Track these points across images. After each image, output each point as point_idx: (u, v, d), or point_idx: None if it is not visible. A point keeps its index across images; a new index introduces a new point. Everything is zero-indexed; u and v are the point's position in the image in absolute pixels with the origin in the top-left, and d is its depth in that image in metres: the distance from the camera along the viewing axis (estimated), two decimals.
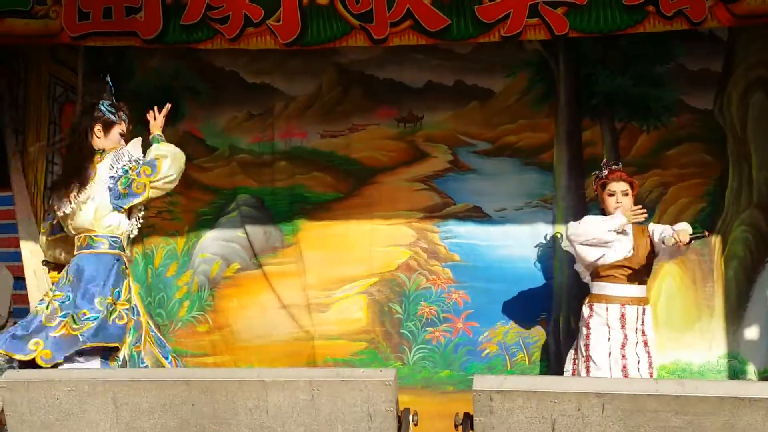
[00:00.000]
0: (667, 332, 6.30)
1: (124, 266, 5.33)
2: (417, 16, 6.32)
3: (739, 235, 6.33)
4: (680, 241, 5.38)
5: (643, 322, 5.67)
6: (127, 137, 5.55)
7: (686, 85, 6.46)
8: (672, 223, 6.34)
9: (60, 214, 5.29)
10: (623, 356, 5.61)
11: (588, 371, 5.61)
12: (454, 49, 6.63)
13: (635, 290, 5.66)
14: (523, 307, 6.45)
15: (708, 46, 6.42)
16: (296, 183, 6.76)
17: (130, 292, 5.30)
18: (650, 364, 5.66)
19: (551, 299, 6.45)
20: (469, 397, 3.65)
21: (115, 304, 5.16)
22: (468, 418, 3.68)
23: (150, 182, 5.29)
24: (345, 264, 6.66)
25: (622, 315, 5.63)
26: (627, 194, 5.76)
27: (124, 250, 5.36)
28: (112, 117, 5.44)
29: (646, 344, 5.67)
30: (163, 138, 5.65)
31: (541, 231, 6.53)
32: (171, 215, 6.78)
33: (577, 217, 6.44)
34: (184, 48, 6.59)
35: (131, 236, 5.50)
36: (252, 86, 6.83)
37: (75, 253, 5.28)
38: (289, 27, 6.40)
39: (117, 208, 5.24)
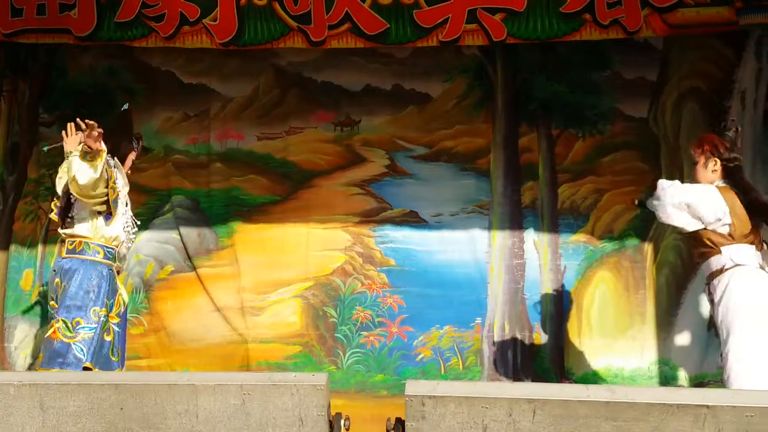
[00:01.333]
0: (599, 338, 6.38)
1: (115, 277, 5.25)
2: (355, 19, 6.35)
3: (670, 242, 6.42)
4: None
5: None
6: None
7: (622, 93, 6.55)
8: (607, 230, 6.48)
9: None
10: None
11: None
12: (392, 53, 6.65)
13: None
14: (458, 312, 6.47)
15: (643, 55, 6.52)
16: (232, 185, 6.72)
17: (120, 306, 5.26)
18: None
19: (486, 305, 6.48)
20: (403, 402, 3.65)
21: (107, 316, 5.14)
22: (400, 423, 3.67)
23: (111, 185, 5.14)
24: (280, 267, 6.63)
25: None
26: (695, 163, 5.12)
27: (116, 262, 5.28)
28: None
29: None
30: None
31: (477, 236, 6.56)
32: None
33: (514, 223, 6.52)
34: (118, 46, 6.55)
35: (122, 252, 5.41)
36: (188, 87, 6.79)
37: (65, 255, 5.17)
38: (225, 26, 6.41)
39: (105, 219, 5.17)
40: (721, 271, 4.87)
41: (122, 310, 5.27)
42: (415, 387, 3.62)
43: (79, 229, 5.18)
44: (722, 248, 4.88)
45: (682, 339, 6.35)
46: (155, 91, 6.78)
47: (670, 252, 6.43)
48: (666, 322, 6.38)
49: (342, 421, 3.77)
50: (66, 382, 3.83)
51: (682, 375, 6.29)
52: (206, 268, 6.66)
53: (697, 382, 6.21)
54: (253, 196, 6.69)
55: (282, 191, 6.69)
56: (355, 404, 5.96)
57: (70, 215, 5.22)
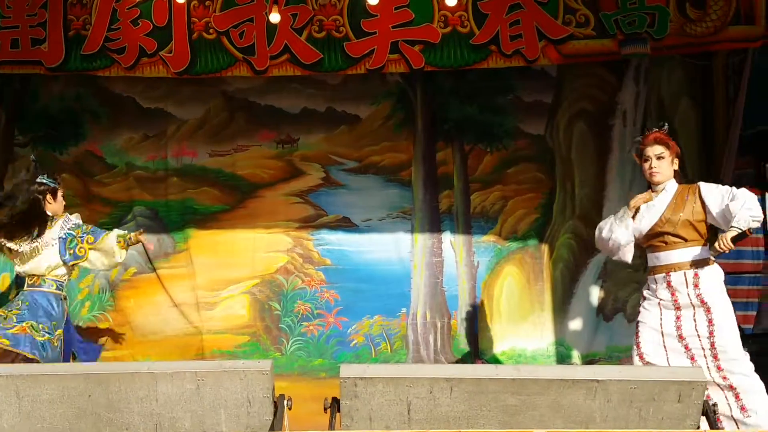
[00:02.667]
0: (506, 324, 6.44)
1: (65, 307, 5.44)
2: (293, 50, 6.34)
3: (564, 241, 6.50)
4: (724, 249, 4.62)
5: (697, 286, 4.77)
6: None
7: (522, 113, 6.61)
8: (512, 231, 6.53)
9: (15, 247, 5.33)
10: (681, 337, 4.77)
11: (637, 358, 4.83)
12: (326, 80, 6.63)
13: (678, 255, 4.84)
14: (386, 304, 6.48)
15: (540, 81, 6.59)
16: (187, 196, 6.64)
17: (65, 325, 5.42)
18: (713, 344, 4.73)
19: (410, 297, 6.49)
20: (339, 383, 3.64)
21: (54, 332, 5.28)
22: (336, 402, 3.66)
23: (90, 248, 5.36)
24: (230, 267, 6.57)
25: (668, 283, 4.81)
26: (662, 157, 4.90)
27: (63, 291, 5.46)
28: (53, 184, 5.48)
29: (708, 312, 4.75)
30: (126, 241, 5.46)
31: (402, 238, 6.57)
32: None
33: (433, 226, 6.55)
34: (84, 75, 6.44)
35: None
36: (147, 110, 6.68)
37: (26, 288, 5.39)
38: (180, 58, 6.36)
39: (65, 263, 5.35)
40: (706, 262, 4.77)
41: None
42: (348, 370, 3.61)
43: (33, 267, 5.37)
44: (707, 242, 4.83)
45: (575, 324, 6.43)
46: (118, 114, 6.67)
47: (564, 250, 6.50)
48: (561, 309, 6.45)
49: (285, 402, 3.75)
50: (39, 373, 3.75)
51: (575, 354, 6.36)
52: (165, 269, 6.56)
53: (588, 360, 6.30)
54: (205, 206, 6.61)
55: (231, 201, 6.62)
56: (297, 386, 5.95)
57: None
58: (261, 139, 6.66)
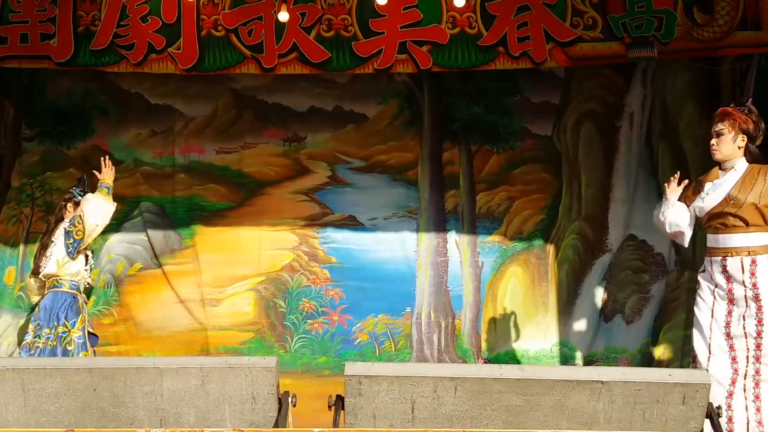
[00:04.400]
0: (510, 324, 6.42)
1: (79, 302, 5.61)
2: (302, 48, 6.32)
3: (570, 242, 6.48)
4: None
5: (753, 274, 4.55)
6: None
7: (530, 114, 6.59)
8: (517, 232, 6.51)
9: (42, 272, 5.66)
10: (728, 335, 4.56)
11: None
12: (334, 79, 6.62)
13: (739, 239, 4.60)
14: (391, 302, 6.46)
15: (548, 83, 6.57)
16: (194, 193, 6.62)
17: (83, 322, 5.57)
18: (758, 346, 4.49)
19: (414, 296, 6.47)
20: (343, 381, 3.63)
21: (69, 331, 5.47)
22: (340, 400, 3.66)
23: (83, 228, 5.51)
24: (236, 265, 6.55)
25: (724, 267, 4.61)
26: (721, 134, 4.69)
27: (80, 292, 5.65)
28: (79, 197, 5.69)
29: (757, 298, 4.52)
30: (109, 188, 5.61)
31: (407, 237, 6.55)
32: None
33: (438, 226, 6.54)
34: (93, 71, 6.43)
35: (88, 284, 5.80)
36: (155, 107, 6.67)
37: (45, 292, 5.64)
38: (188, 55, 6.34)
39: (70, 256, 5.54)
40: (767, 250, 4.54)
41: (84, 327, 5.58)
42: (353, 368, 3.61)
43: (48, 270, 5.62)
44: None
45: (579, 324, 6.41)
46: (126, 110, 6.66)
47: (569, 250, 6.49)
48: (565, 310, 6.43)
49: (290, 398, 3.75)
50: (45, 367, 3.75)
51: (579, 355, 6.35)
52: (171, 265, 6.55)
53: (588, 360, 6.28)
54: (212, 203, 6.60)
55: (237, 198, 6.60)
56: (301, 383, 5.90)
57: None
58: (268, 137, 6.65)
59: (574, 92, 6.57)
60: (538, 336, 6.39)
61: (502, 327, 6.45)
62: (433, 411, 3.56)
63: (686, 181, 4.88)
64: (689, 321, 6.14)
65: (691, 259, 6.34)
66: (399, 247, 6.55)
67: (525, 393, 3.53)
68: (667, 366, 6.00)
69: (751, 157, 4.69)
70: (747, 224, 4.57)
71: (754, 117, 4.72)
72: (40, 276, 5.68)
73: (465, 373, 3.60)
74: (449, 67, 6.37)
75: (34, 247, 6.39)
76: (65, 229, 5.56)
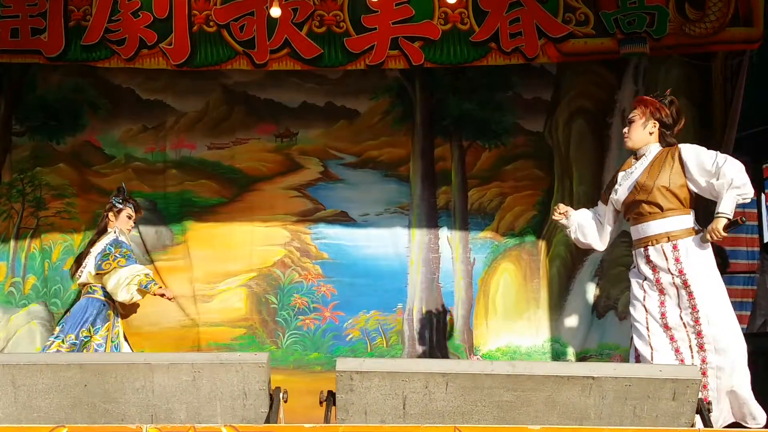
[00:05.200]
0: (502, 320, 6.43)
1: (110, 310, 5.70)
2: (294, 44, 6.32)
3: (561, 238, 6.46)
4: (716, 238, 4.35)
5: (678, 260, 4.42)
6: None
7: (522, 110, 6.59)
8: (509, 228, 6.52)
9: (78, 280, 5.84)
10: (666, 326, 4.45)
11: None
12: (325, 75, 6.62)
13: (656, 226, 4.51)
14: (383, 299, 6.46)
15: (540, 79, 6.58)
16: (185, 189, 6.61)
17: (108, 330, 5.67)
18: (699, 334, 4.37)
19: (406, 292, 6.47)
20: (335, 377, 3.63)
21: (91, 337, 5.56)
22: (331, 396, 3.66)
23: (113, 267, 5.57)
24: (228, 261, 6.54)
25: (647, 258, 4.51)
26: (632, 122, 4.68)
27: (113, 301, 5.69)
28: (119, 205, 5.82)
29: (686, 285, 4.40)
30: (146, 287, 5.64)
31: (399, 233, 6.55)
32: (69, 215, 6.52)
33: (430, 222, 6.54)
34: (84, 65, 6.42)
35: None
36: (146, 102, 6.65)
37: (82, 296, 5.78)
38: (180, 50, 6.34)
39: (92, 273, 5.68)
40: (689, 232, 4.45)
41: (108, 333, 5.67)
42: (344, 364, 3.61)
43: (83, 279, 5.76)
44: (691, 211, 4.51)
45: (571, 321, 6.42)
46: (117, 105, 6.64)
47: (561, 247, 6.48)
48: (557, 306, 6.43)
49: (281, 394, 3.75)
50: (35, 363, 3.74)
51: (570, 351, 6.35)
52: (163, 261, 6.53)
53: (581, 356, 6.29)
54: (204, 199, 6.58)
55: (229, 194, 6.59)
56: (293, 379, 5.92)
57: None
58: (260, 133, 6.64)
59: (565, 88, 6.57)
60: (529, 332, 6.39)
61: (493, 323, 6.46)
62: (424, 407, 3.56)
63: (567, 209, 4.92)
64: None
65: None
66: (391, 243, 6.55)
67: (516, 389, 3.54)
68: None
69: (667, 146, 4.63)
70: (662, 209, 4.48)
71: (669, 105, 4.67)
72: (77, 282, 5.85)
73: (456, 369, 3.60)
74: (441, 63, 6.39)
75: (25, 243, 6.45)
76: (104, 249, 5.65)
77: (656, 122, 4.63)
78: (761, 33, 6.17)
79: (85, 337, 5.56)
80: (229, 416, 3.61)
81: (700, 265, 4.43)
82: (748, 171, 4.60)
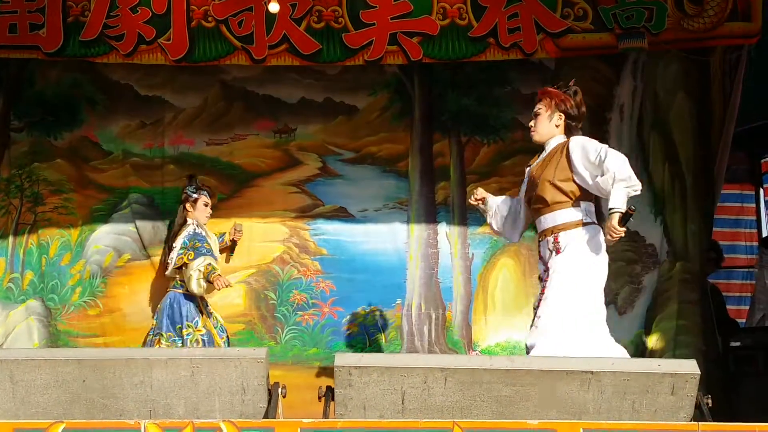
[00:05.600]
0: (501, 315, 6.42)
1: (198, 301, 5.86)
2: (292, 40, 6.32)
3: None
4: (614, 237, 4.23)
5: (558, 252, 4.38)
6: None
7: (520, 106, 6.54)
8: None
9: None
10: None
11: None
12: (324, 71, 6.59)
13: (545, 221, 4.52)
14: (381, 294, 6.44)
15: (538, 74, 6.53)
16: (184, 184, 6.58)
17: (206, 320, 5.87)
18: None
19: (405, 288, 6.46)
20: (333, 372, 3.63)
21: (194, 331, 5.76)
22: (330, 391, 3.66)
23: (183, 262, 5.78)
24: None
25: (539, 253, 4.58)
26: (537, 114, 4.68)
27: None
28: (194, 195, 5.99)
29: (547, 270, 4.41)
30: (209, 273, 5.75)
31: (398, 229, 6.54)
32: (66, 210, 6.49)
33: (429, 217, 6.53)
34: (82, 61, 6.41)
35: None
36: (145, 98, 6.62)
37: (168, 290, 5.97)
38: (178, 45, 6.34)
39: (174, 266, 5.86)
40: (573, 225, 4.37)
41: (206, 325, 5.86)
42: (343, 359, 3.61)
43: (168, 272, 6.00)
44: (581, 202, 4.39)
45: None
46: (115, 101, 6.61)
47: None
48: None
49: (280, 390, 3.75)
50: (34, 358, 3.74)
51: None
52: (161, 256, 6.52)
53: None
54: None
55: (228, 190, 6.57)
56: (291, 374, 5.92)
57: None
58: (258, 129, 6.61)
59: (564, 83, 6.56)
60: (528, 327, 6.39)
61: (492, 318, 6.45)
62: (423, 402, 3.56)
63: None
64: (681, 312, 6.23)
65: (683, 249, 6.37)
66: (389, 239, 6.54)
67: (515, 383, 3.54)
68: (660, 357, 6.02)
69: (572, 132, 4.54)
70: (547, 204, 4.43)
71: (574, 96, 4.60)
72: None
73: (455, 364, 3.60)
74: (439, 58, 6.38)
75: (23, 239, 6.42)
76: (182, 243, 5.81)
77: (561, 114, 4.57)
78: (759, 28, 6.17)
79: (188, 334, 5.74)
80: (227, 411, 3.61)
81: (572, 256, 4.34)
82: (745, 164, 4.61)
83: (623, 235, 4.18)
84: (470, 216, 6.51)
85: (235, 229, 6.24)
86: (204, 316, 5.87)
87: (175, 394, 3.63)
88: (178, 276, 5.87)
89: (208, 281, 5.72)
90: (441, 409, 3.55)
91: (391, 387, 3.54)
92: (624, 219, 4.15)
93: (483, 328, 6.43)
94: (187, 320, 5.77)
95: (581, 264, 4.31)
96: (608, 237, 4.23)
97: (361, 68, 6.48)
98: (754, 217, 8.29)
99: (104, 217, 6.51)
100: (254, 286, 6.49)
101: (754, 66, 6.26)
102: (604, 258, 4.40)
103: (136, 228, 6.49)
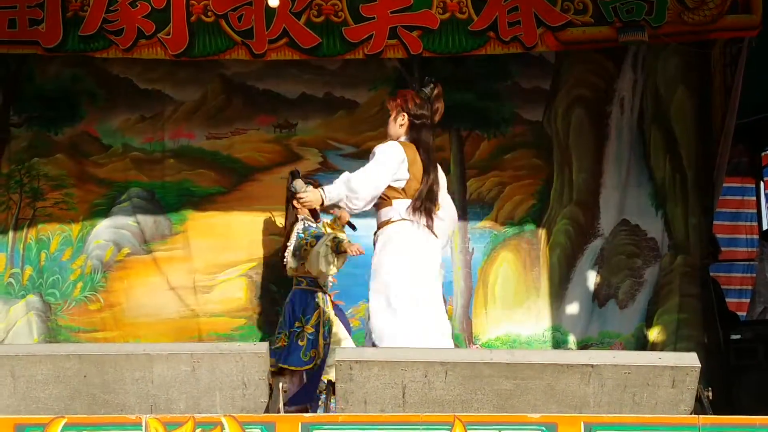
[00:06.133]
0: (501, 309, 6.43)
1: (318, 297, 5.83)
2: (292, 34, 6.30)
3: (561, 227, 6.48)
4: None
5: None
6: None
7: (520, 100, 6.58)
8: (509, 217, 6.51)
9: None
10: None
11: None
12: (324, 65, 6.59)
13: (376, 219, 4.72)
14: None
15: (538, 68, 6.57)
16: (184, 178, 6.58)
17: (319, 316, 5.79)
18: None
19: None
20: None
21: (303, 328, 5.71)
22: (331, 385, 3.66)
23: (308, 253, 5.69)
24: (227, 250, 6.52)
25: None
26: (389, 115, 4.75)
27: (319, 287, 5.86)
28: (294, 190, 5.50)
29: None
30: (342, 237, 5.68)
31: None
32: (67, 205, 6.50)
33: None
34: (82, 56, 6.40)
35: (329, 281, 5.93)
36: (144, 92, 6.62)
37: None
38: (178, 40, 6.32)
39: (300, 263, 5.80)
40: (387, 222, 4.49)
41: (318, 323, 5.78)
42: (344, 353, 3.62)
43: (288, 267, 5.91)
44: (394, 201, 4.48)
45: (571, 309, 6.42)
46: (115, 95, 6.61)
47: (561, 235, 6.49)
48: (557, 294, 6.43)
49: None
50: (34, 353, 3.73)
51: (571, 339, 6.36)
52: (162, 251, 6.52)
53: (582, 345, 6.30)
54: (202, 188, 6.56)
55: (228, 184, 6.57)
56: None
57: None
58: (258, 123, 6.61)
59: (564, 77, 6.56)
60: (529, 321, 6.39)
61: (493, 312, 6.46)
62: (423, 395, 3.56)
63: None
64: (682, 305, 6.24)
65: (684, 243, 6.37)
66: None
67: (515, 377, 3.54)
68: (662, 350, 6.02)
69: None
70: (370, 203, 4.53)
71: (431, 93, 4.65)
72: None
73: (455, 358, 3.60)
74: (440, 52, 6.37)
75: (23, 234, 6.40)
76: (296, 241, 5.81)
77: (405, 114, 4.61)
78: (760, 20, 6.16)
79: (297, 328, 5.71)
80: (228, 406, 3.60)
81: (380, 253, 4.50)
82: (745, 157, 4.62)
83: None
84: (470, 210, 6.52)
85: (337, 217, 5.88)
86: (320, 315, 5.80)
87: (176, 389, 3.63)
88: (297, 274, 5.85)
89: (339, 253, 5.59)
90: (442, 402, 3.55)
91: (391, 381, 3.54)
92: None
93: (483, 322, 6.44)
94: (301, 315, 5.76)
95: (392, 266, 4.45)
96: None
97: (361, 63, 6.47)
98: (755, 210, 8.29)
99: (105, 212, 6.51)
100: (255, 280, 6.50)
101: (755, 59, 6.25)
102: (417, 248, 4.49)
103: (137, 222, 6.49)
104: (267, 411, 3.60)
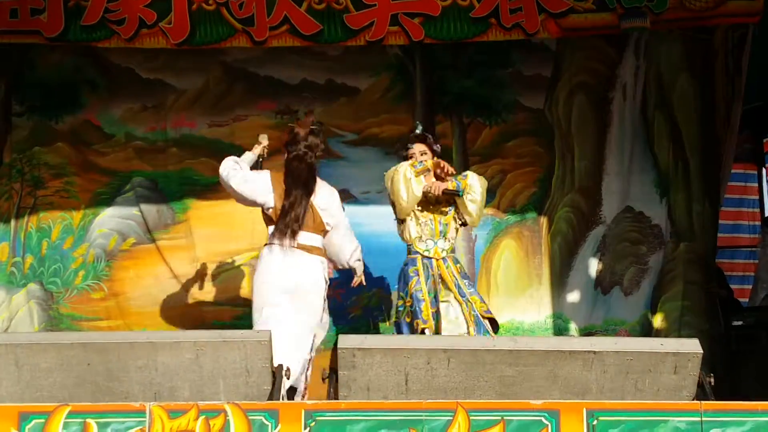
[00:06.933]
0: (504, 296, 6.42)
1: (414, 267, 5.25)
2: (293, 21, 6.29)
3: (563, 215, 6.47)
4: None
5: None
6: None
7: (522, 87, 6.57)
8: (510, 205, 6.51)
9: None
10: None
11: None
12: (325, 52, 6.58)
13: None
14: (385, 277, 6.45)
15: (540, 55, 6.55)
16: (186, 167, 6.57)
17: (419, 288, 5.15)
18: None
19: None
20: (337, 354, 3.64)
21: (405, 301, 5.18)
22: (334, 372, 3.67)
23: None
24: (230, 239, 6.51)
25: None
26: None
27: (413, 253, 5.31)
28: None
29: None
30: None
31: None
32: (68, 194, 6.49)
33: None
34: (84, 45, 6.39)
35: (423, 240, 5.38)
36: (146, 81, 6.61)
37: None
38: (179, 29, 6.32)
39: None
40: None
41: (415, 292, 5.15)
42: (346, 341, 3.62)
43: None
44: (269, 227, 5.11)
45: (573, 296, 6.42)
46: (117, 85, 6.60)
47: (562, 223, 6.48)
48: (559, 282, 6.42)
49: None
50: (38, 342, 3.75)
51: (573, 327, 6.35)
52: (165, 240, 6.52)
53: (586, 332, 6.30)
54: (205, 177, 6.52)
55: None
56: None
57: None
58: (260, 110, 6.60)
59: (566, 64, 6.54)
60: (531, 308, 6.39)
61: (495, 300, 6.43)
62: (426, 383, 3.57)
63: None
64: (686, 292, 6.24)
65: (688, 230, 6.37)
66: (392, 221, 6.51)
67: (518, 364, 3.55)
68: (666, 337, 6.02)
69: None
70: None
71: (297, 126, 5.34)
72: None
73: (458, 345, 3.61)
74: (441, 39, 6.36)
75: (24, 222, 6.40)
76: None
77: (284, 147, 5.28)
78: (762, 6, 6.14)
79: (400, 306, 5.23)
80: (231, 394, 3.62)
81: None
82: (749, 144, 4.62)
83: None
84: None
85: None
86: (412, 282, 5.16)
87: (180, 376, 3.65)
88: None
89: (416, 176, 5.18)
90: (444, 389, 3.57)
91: (394, 368, 3.55)
92: None
93: None
94: (400, 289, 5.30)
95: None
96: None
97: (362, 49, 6.45)
98: (757, 197, 8.29)
99: (107, 201, 6.51)
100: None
101: (758, 44, 6.23)
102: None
103: (140, 211, 6.49)
104: (270, 398, 3.61)
